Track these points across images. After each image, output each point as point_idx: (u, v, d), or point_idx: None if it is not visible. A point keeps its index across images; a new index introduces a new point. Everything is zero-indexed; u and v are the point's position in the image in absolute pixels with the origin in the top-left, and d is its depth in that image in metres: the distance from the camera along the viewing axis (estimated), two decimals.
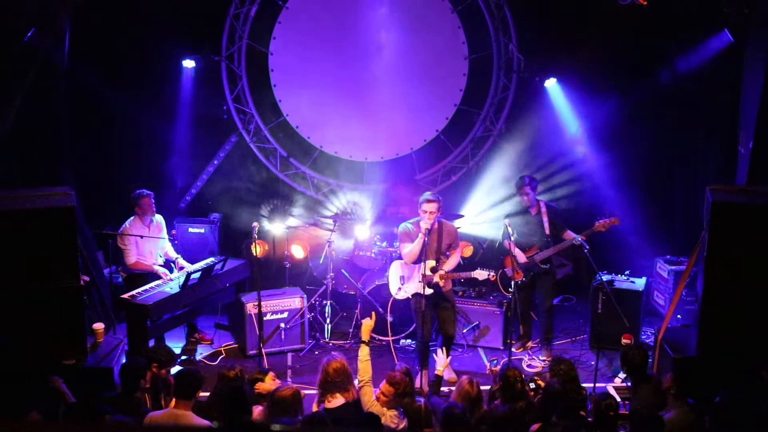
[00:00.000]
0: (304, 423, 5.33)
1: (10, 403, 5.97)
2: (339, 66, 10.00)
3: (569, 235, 8.22)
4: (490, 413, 5.82)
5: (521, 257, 8.18)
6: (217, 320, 8.97)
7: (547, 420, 5.60)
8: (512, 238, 7.83)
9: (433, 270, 7.49)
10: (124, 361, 6.81)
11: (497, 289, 8.82)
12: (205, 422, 5.49)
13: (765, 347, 6.61)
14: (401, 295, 7.75)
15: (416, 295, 7.58)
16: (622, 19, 9.02)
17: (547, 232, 8.27)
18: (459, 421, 5.45)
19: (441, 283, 7.51)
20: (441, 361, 7.14)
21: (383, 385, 5.93)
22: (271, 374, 6.37)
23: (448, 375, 7.82)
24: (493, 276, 7.63)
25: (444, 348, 7.88)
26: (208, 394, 6.24)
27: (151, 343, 7.76)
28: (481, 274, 7.52)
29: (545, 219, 8.29)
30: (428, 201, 7.43)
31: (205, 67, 9.79)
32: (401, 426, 5.86)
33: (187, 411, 5.53)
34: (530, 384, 6.28)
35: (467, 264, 9.29)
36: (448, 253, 7.68)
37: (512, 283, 7.76)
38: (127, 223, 8.18)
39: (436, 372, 6.80)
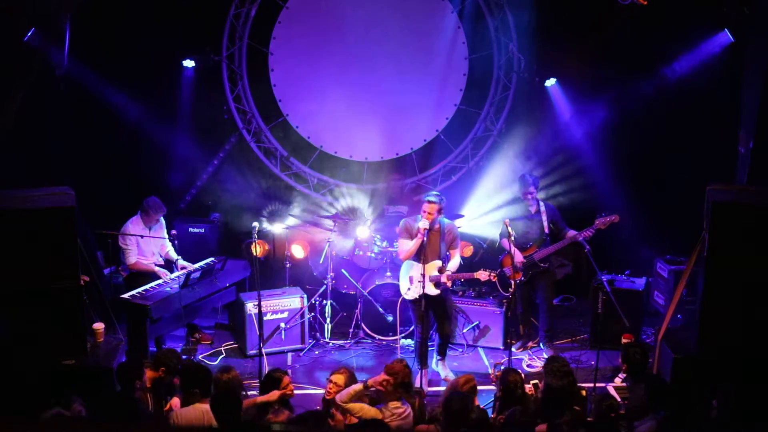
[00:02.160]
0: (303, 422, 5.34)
1: (11, 403, 5.98)
2: (339, 66, 10.00)
3: (570, 233, 8.21)
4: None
5: (519, 257, 8.17)
6: (217, 320, 8.97)
7: (551, 418, 5.59)
8: (511, 238, 7.83)
9: (440, 270, 7.50)
10: (123, 361, 6.81)
11: (497, 288, 8.82)
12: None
13: (765, 347, 6.61)
14: (410, 296, 7.74)
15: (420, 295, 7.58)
16: (622, 18, 9.02)
17: (547, 230, 8.28)
18: (459, 411, 5.46)
19: (448, 283, 7.52)
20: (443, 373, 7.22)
21: (382, 376, 5.95)
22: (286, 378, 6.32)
23: (445, 375, 7.85)
24: (494, 276, 7.62)
25: (440, 348, 7.90)
26: None
27: (151, 343, 7.76)
28: (483, 275, 7.53)
29: (545, 218, 8.30)
30: (429, 201, 7.44)
31: (205, 67, 9.78)
32: (406, 413, 5.86)
33: (203, 401, 5.64)
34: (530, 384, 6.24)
35: (469, 264, 9.30)
36: (448, 252, 7.69)
37: (512, 282, 7.76)
38: (129, 223, 8.18)
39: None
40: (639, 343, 7.68)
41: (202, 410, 5.63)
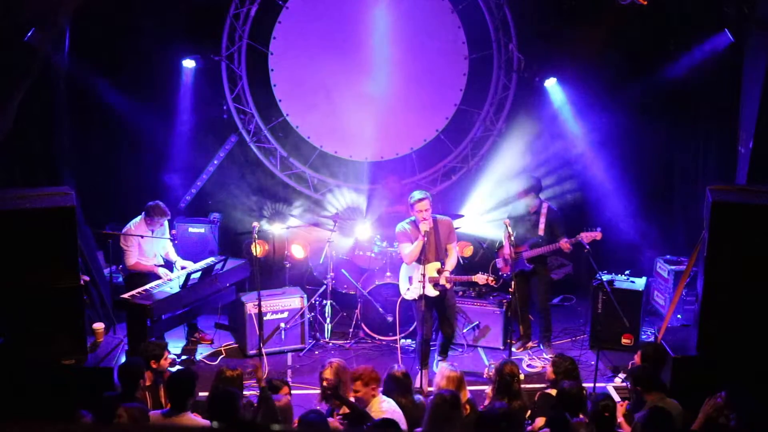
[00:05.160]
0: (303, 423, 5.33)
1: (12, 403, 5.97)
2: (339, 66, 9.99)
3: (562, 241, 8.13)
4: (490, 410, 5.80)
5: (507, 251, 8.19)
6: (217, 320, 8.97)
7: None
8: (511, 239, 7.85)
9: (439, 272, 7.50)
10: (123, 361, 6.81)
11: (497, 288, 8.82)
12: (205, 421, 5.49)
13: (765, 347, 6.61)
14: (409, 296, 7.74)
15: (420, 295, 7.58)
16: (622, 18, 9.02)
17: (541, 233, 8.26)
18: (452, 408, 5.46)
19: (448, 286, 7.52)
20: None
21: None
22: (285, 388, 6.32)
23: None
24: (492, 280, 7.61)
25: (443, 347, 7.90)
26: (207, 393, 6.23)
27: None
28: (481, 279, 7.53)
29: (542, 219, 8.29)
30: (420, 200, 7.41)
31: (205, 67, 9.78)
32: (386, 401, 5.89)
33: (185, 414, 5.54)
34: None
35: (469, 265, 9.30)
36: (446, 248, 7.66)
37: (509, 280, 7.76)
38: (131, 225, 8.17)
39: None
40: (654, 342, 7.66)
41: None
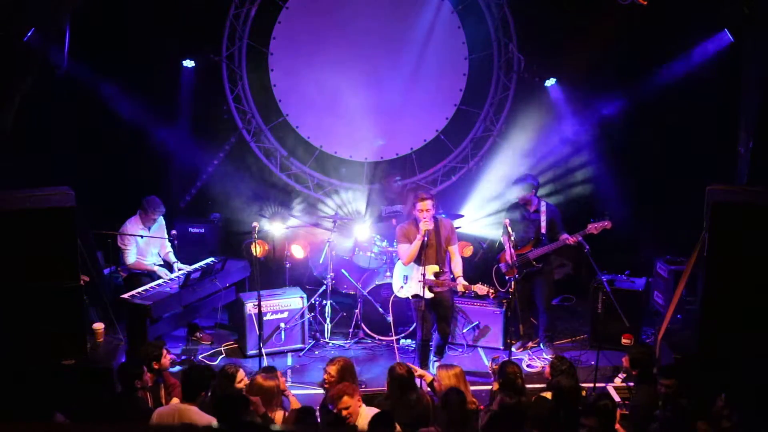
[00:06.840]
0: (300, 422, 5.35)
1: (11, 404, 5.98)
2: (339, 66, 9.99)
3: (563, 236, 8.18)
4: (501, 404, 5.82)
5: (512, 254, 8.18)
6: (217, 320, 8.97)
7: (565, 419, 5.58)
8: (511, 238, 7.85)
9: (437, 275, 7.50)
10: (123, 361, 6.82)
11: (495, 285, 8.79)
12: (210, 417, 5.51)
13: (765, 347, 6.61)
14: (402, 294, 7.77)
15: (416, 295, 7.59)
16: (622, 18, 9.03)
17: (544, 231, 8.27)
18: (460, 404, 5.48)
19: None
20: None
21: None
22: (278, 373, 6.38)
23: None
24: (493, 293, 7.59)
25: (439, 348, 7.89)
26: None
27: None
28: (481, 289, 7.50)
29: (543, 218, 8.29)
30: (423, 199, 7.41)
31: (205, 67, 9.79)
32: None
33: (192, 406, 5.59)
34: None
35: (468, 267, 9.29)
36: (447, 250, 7.66)
37: (507, 279, 7.75)
38: (127, 223, 8.17)
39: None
40: (642, 344, 7.68)
41: (169, 409, 5.67)
